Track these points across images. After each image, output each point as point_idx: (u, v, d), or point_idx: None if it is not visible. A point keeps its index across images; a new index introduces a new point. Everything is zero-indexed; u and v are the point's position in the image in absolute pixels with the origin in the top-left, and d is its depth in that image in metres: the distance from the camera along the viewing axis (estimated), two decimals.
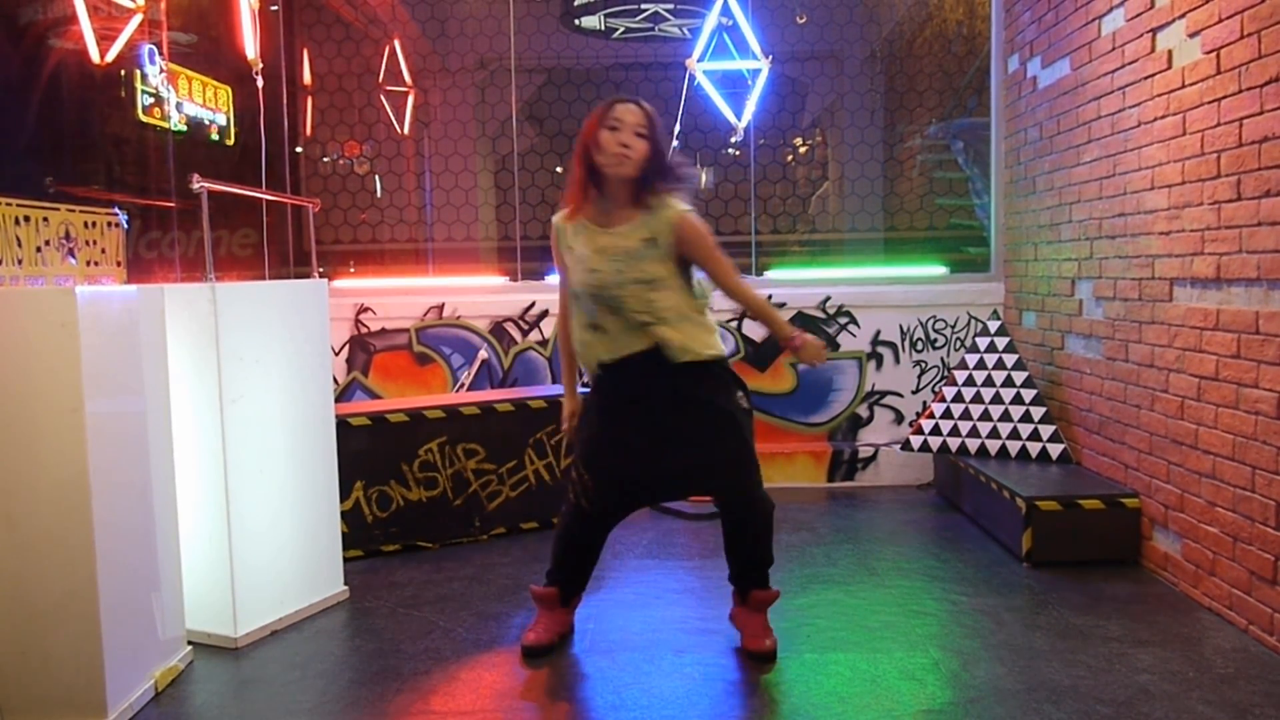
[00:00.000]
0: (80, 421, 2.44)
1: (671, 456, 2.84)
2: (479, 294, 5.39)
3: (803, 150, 6.58)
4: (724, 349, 2.89)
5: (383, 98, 6.18)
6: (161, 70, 4.25)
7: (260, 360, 3.15)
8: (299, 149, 6.07)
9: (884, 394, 5.20)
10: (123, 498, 2.62)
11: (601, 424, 2.89)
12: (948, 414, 4.60)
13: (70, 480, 2.46)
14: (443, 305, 5.32)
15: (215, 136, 4.73)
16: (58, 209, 3.43)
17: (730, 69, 5.17)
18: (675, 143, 5.41)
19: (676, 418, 2.82)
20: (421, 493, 4.10)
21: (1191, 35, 3.21)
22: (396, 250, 6.26)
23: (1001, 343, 4.54)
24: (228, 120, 4.89)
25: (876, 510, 4.63)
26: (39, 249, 3.30)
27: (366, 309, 5.33)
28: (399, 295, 5.40)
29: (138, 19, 3.89)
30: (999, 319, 4.69)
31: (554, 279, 5.42)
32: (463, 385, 5.26)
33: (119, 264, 3.78)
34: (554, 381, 5.24)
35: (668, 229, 2.75)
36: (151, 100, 4.22)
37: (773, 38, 5.60)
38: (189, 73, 4.53)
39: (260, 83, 4.84)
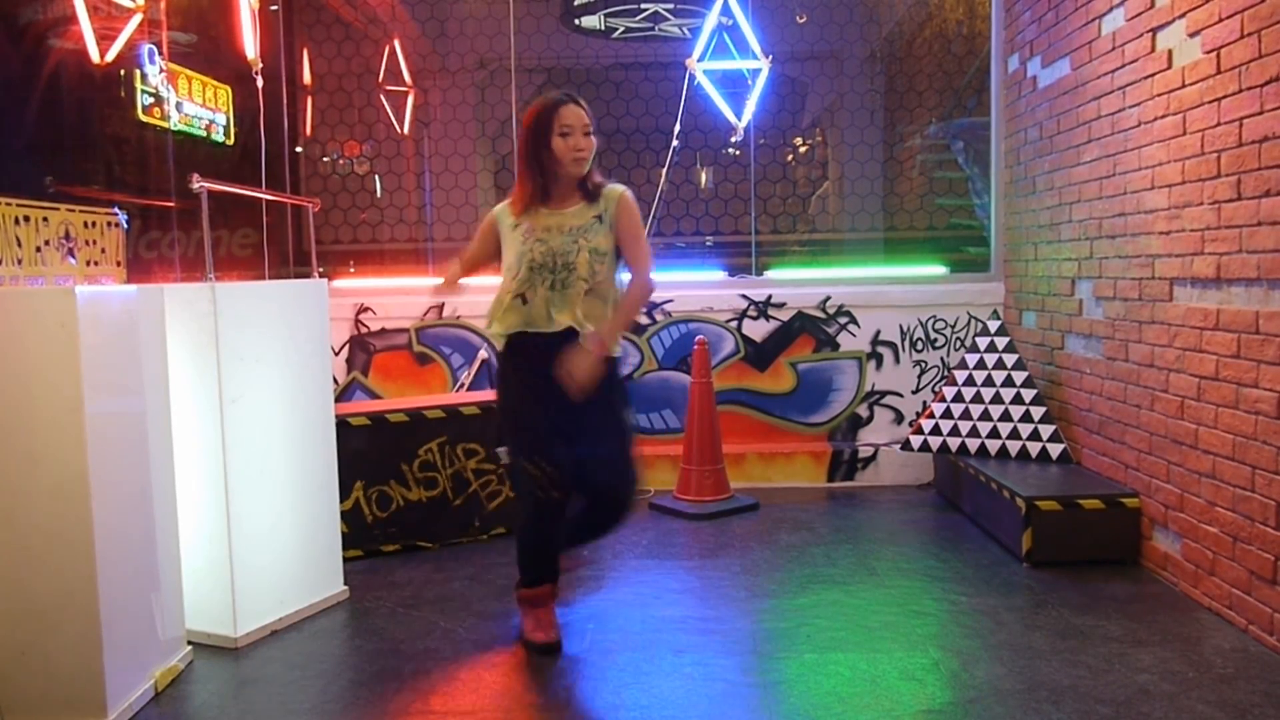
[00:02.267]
0: (80, 421, 2.44)
1: (574, 441, 2.93)
2: (479, 294, 5.36)
3: (803, 150, 6.58)
4: (619, 352, 3.00)
5: (383, 98, 6.18)
6: (161, 70, 4.25)
7: (260, 360, 3.15)
8: (299, 149, 6.07)
9: (884, 394, 5.20)
10: (122, 498, 2.62)
11: (530, 408, 2.93)
12: (948, 414, 4.60)
13: (70, 480, 2.46)
14: (443, 305, 5.32)
15: (202, 131, 4.73)
16: (58, 209, 3.43)
17: (730, 69, 5.17)
18: (675, 143, 5.41)
19: (579, 406, 2.89)
20: (421, 493, 4.10)
21: (1191, 35, 3.21)
22: (396, 250, 6.26)
23: (1001, 343, 4.54)
24: (228, 120, 4.89)
25: (876, 510, 4.63)
26: (39, 249, 3.30)
27: (366, 309, 5.33)
28: (399, 295, 5.40)
29: (138, 19, 3.89)
30: (999, 319, 4.69)
31: None
32: (463, 385, 5.26)
33: (119, 264, 3.78)
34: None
35: (613, 204, 2.94)
36: (151, 100, 4.22)
37: (773, 38, 5.60)
38: (189, 72, 4.53)
39: (260, 83, 4.84)
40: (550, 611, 3.08)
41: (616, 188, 2.99)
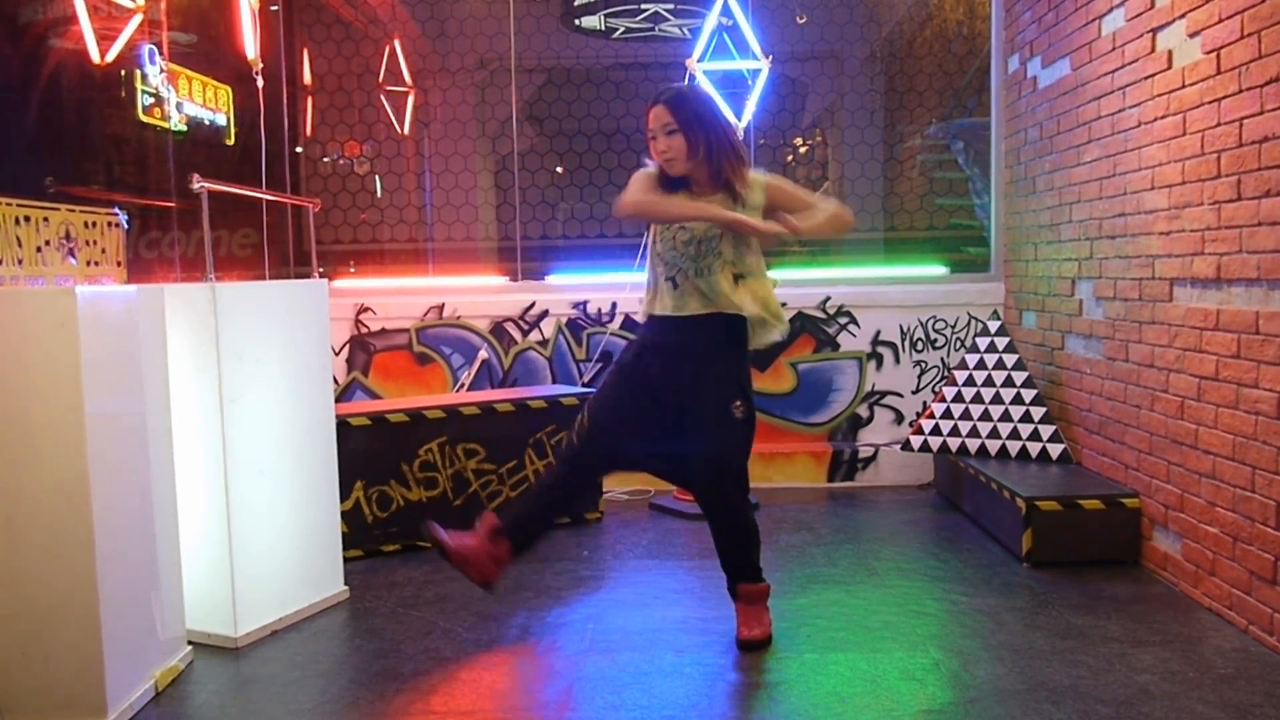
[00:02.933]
0: (80, 421, 2.44)
1: (667, 433, 2.97)
2: (479, 294, 5.39)
3: (803, 150, 6.57)
4: (777, 327, 2.97)
5: (383, 98, 6.18)
6: (161, 70, 4.25)
7: (260, 360, 3.15)
8: (299, 149, 6.07)
9: (884, 394, 5.20)
10: (123, 497, 2.62)
11: (621, 373, 3.04)
12: (948, 414, 4.60)
13: (70, 480, 2.45)
14: (443, 305, 5.32)
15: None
16: (58, 209, 3.43)
17: (730, 69, 5.17)
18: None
19: (685, 397, 2.93)
20: (422, 493, 4.10)
21: (1192, 35, 3.21)
22: (396, 250, 6.26)
23: (1001, 343, 4.54)
24: (228, 120, 4.89)
25: (876, 510, 4.63)
26: (39, 249, 3.30)
27: (366, 309, 5.33)
28: (399, 295, 5.40)
29: (138, 19, 3.89)
30: (999, 319, 4.69)
31: (554, 279, 5.45)
32: (463, 385, 5.26)
33: (119, 264, 3.78)
34: (554, 381, 5.24)
35: (761, 193, 2.93)
36: (151, 100, 4.22)
37: (773, 38, 5.60)
38: (189, 73, 4.53)
39: (260, 83, 4.84)
40: (472, 538, 3.02)
41: (760, 176, 2.96)
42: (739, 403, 2.94)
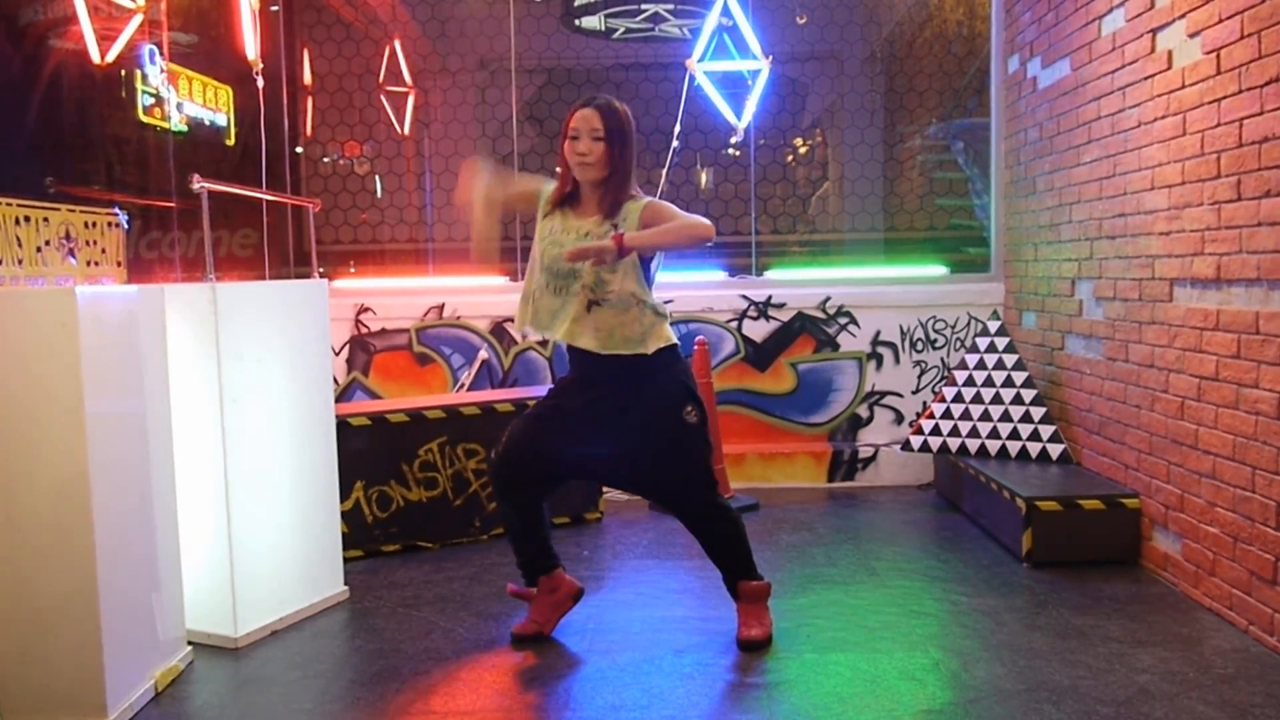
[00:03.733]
0: (80, 421, 2.44)
1: (614, 454, 2.94)
2: (479, 294, 5.39)
3: (803, 150, 6.58)
4: (664, 342, 2.89)
5: (383, 98, 6.18)
6: (162, 70, 4.25)
7: (260, 360, 3.15)
8: (299, 149, 6.07)
9: (884, 394, 5.20)
10: (123, 498, 2.62)
11: (549, 397, 3.03)
12: (948, 414, 4.60)
13: (70, 480, 2.46)
14: (443, 305, 5.32)
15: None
16: (58, 209, 3.43)
17: (730, 69, 5.17)
18: (675, 143, 5.41)
19: (622, 419, 2.90)
20: (422, 493, 4.10)
21: (1191, 35, 3.21)
22: (396, 250, 6.26)
23: (1001, 343, 4.54)
24: (228, 120, 4.89)
25: (876, 510, 4.63)
26: (39, 249, 3.30)
27: (366, 309, 5.33)
28: (399, 295, 5.40)
29: (138, 19, 3.89)
30: (999, 319, 4.69)
31: None
32: (463, 385, 5.26)
33: (119, 264, 3.77)
34: (554, 381, 5.24)
35: (635, 215, 2.85)
36: (152, 100, 4.22)
37: (773, 38, 5.60)
38: (189, 73, 4.53)
39: (260, 83, 4.84)
40: (536, 606, 3.11)
41: (641, 200, 2.87)
42: (689, 408, 2.93)
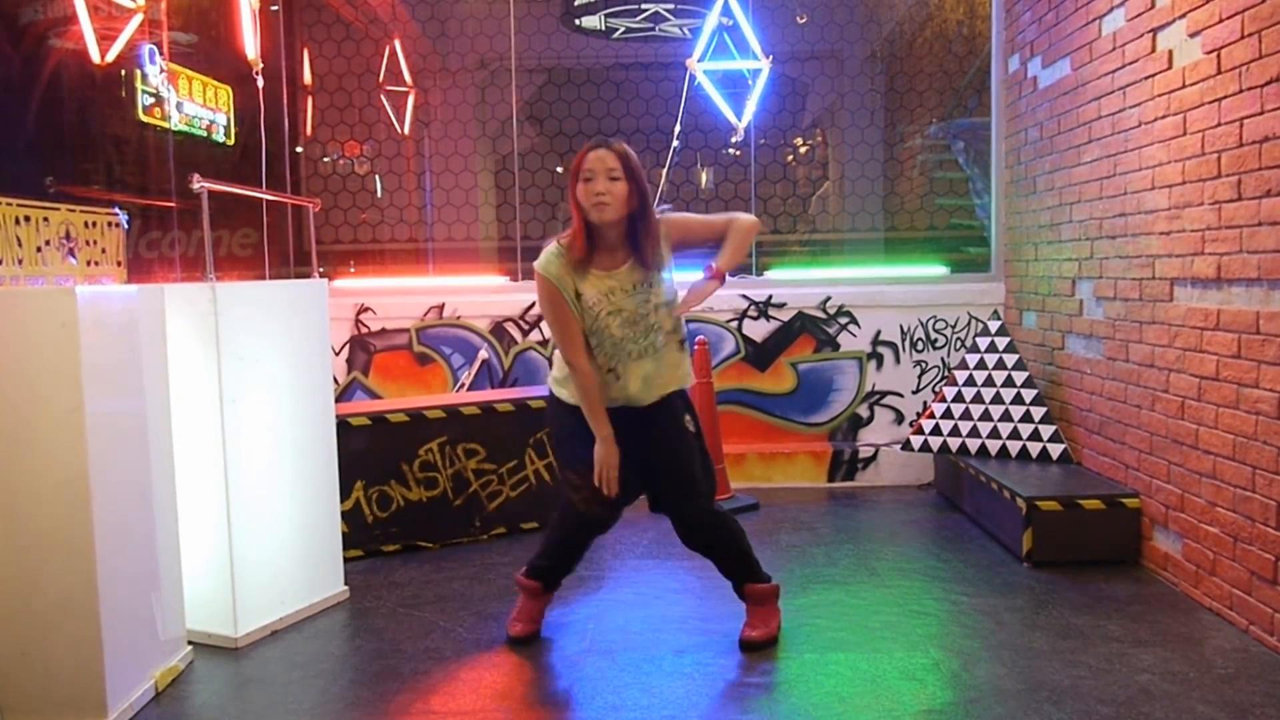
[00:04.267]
0: (80, 421, 2.44)
1: (634, 468, 2.92)
2: (479, 294, 5.39)
3: (803, 150, 6.58)
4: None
5: (383, 98, 6.18)
6: (162, 70, 4.25)
7: (260, 360, 3.15)
8: (299, 149, 6.07)
9: (884, 394, 5.20)
10: (123, 498, 2.62)
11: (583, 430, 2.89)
12: (948, 414, 4.60)
13: (70, 480, 2.46)
14: (443, 305, 5.32)
15: (203, 131, 4.73)
16: (58, 209, 3.43)
17: (730, 69, 5.17)
18: (676, 143, 5.41)
19: (641, 433, 2.89)
20: (422, 493, 4.10)
21: (1192, 35, 3.21)
22: (396, 250, 6.26)
23: (1002, 343, 4.54)
24: (228, 120, 4.89)
25: (877, 510, 4.63)
26: (39, 249, 3.30)
27: (367, 309, 5.33)
28: (399, 295, 5.40)
29: (138, 19, 3.89)
30: (999, 319, 4.69)
31: None
32: (463, 385, 5.26)
33: (119, 264, 3.78)
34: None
35: (666, 243, 2.87)
36: (152, 100, 4.22)
37: (773, 38, 5.60)
38: (189, 73, 4.53)
39: (260, 83, 4.84)
40: (533, 605, 3.13)
41: (660, 226, 2.85)
42: (688, 417, 2.94)
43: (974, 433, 4.50)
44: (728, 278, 2.84)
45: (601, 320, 2.79)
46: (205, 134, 4.66)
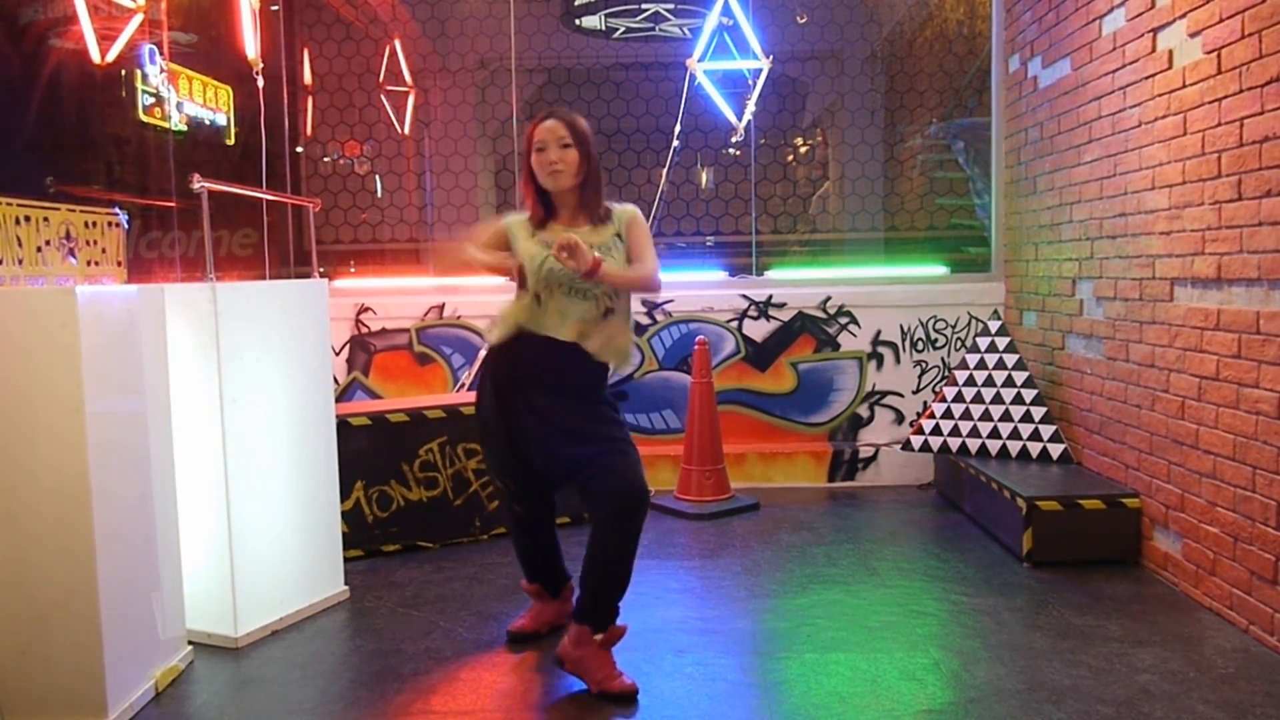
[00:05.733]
0: (80, 421, 2.44)
1: (561, 444, 2.78)
2: (479, 294, 5.39)
3: (803, 150, 6.58)
4: (628, 362, 3.00)
5: (383, 98, 6.18)
6: (162, 70, 4.25)
7: (260, 360, 3.15)
8: (299, 149, 6.07)
9: (884, 394, 5.20)
10: (123, 497, 2.62)
11: (500, 426, 2.85)
12: (948, 414, 4.60)
13: (71, 480, 2.45)
14: (443, 305, 5.32)
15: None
16: (58, 209, 3.43)
17: (731, 69, 5.17)
18: (676, 143, 5.41)
19: (566, 408, 2.80)
20: (422, 493, 4.10)
21: (1192, 35, 3.21)
22: (397, 250, 6.26)
23: (1002, 343, 4.54)
24: (228, 120, 4.89)
25: (877, 510, 4.63)
26: (39, 249, 3.30)
27: (367, 309, 5.33)
28: (399, 295, 5.40)
29: (138, 19, 3.89)
30: (999, 319, 4.69)
31: None
32: (463, 385, 5.26)
33: (119, 264, 3.78)
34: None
35: (626, 221, 2.91)
36: (152, 100, 4.22)
37: (773, 37, 5.60)
38: (189, 73, 4.53)
39: (261, 83, 4.84)
40: (539, 608, 3.15)
41: (628, 207, 2.95)
42: (605, 408, 2.90)
43: (974, 433, 4.50)
44: (598, 276, 2.70)
45: (538, 260, 2.80)
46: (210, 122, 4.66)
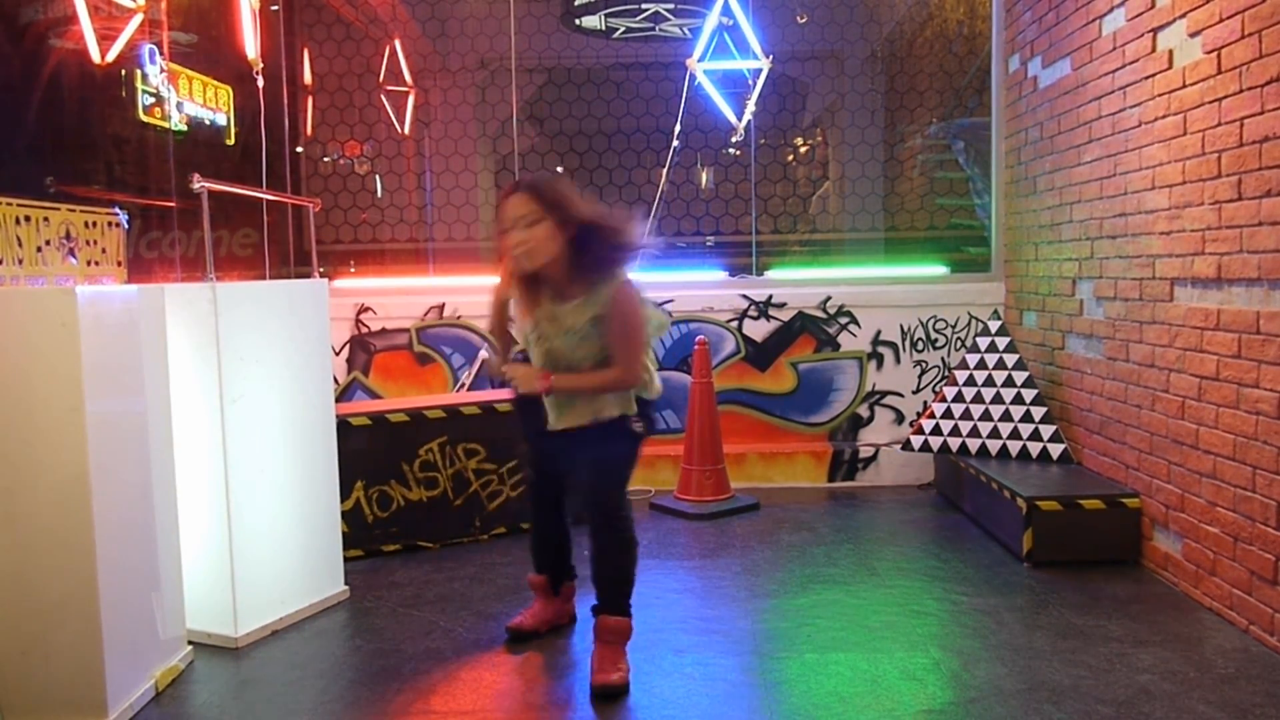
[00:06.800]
0: (81, 421, 2.44)
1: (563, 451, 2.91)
2: (480, 294, 5.36)
3: (803, 150, 6.57)
4: (633, 408, 2.81)
5: (383, 97, 6.18)
6: (162, 70, 4.25)
7: (260, 360, 3.15)
8: (299, 149, 6.07)
9: (884, 394, 5.20)
10: (123, 497, 2.62)
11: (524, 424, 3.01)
12: (948, 414, 4.59)
13: (71, 480, 2.46)
14: (443, 305, 5.32)
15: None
16: (58, 209, 3.43)
17: (731, 69, 5.17)
18: (676, 143, 5.41)
19: (579, 449, 2.89)
20: (422, 492, 4.10)
21: (1192, 35, 3.21)
22: (397, 250, 6.26)
23: (1002, 343, 4.54)
24: (228, 120, 4.89)
25: (877, 510, 4.63)
26: (39, 249, 3.30)
27: (367, 309, 5.33)
28: (399, 295, 5.40)
29: (138, 19, 3.89)
30: (999, 319, 4.69)
31: None
32: (463, 385, 5.26)
33: (119, 264, 3.78)
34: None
35: (608, 302, 2.70)
36: (152, 100, 4.22)
37: (773, 37, 5.60)
38: (189, 72, 4.53)
39: (261, 82, 4.84)
40: (540, 604, 3.15)
41: (618, 280, 2.71)
42: (634, 419, 2.86)
43: (974, 433, 4.50)
44: (551, 392, 2.75)
45: (532, 337, 2.83)
46: (210, 121, 4.66)
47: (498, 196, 2.75)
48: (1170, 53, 3.35)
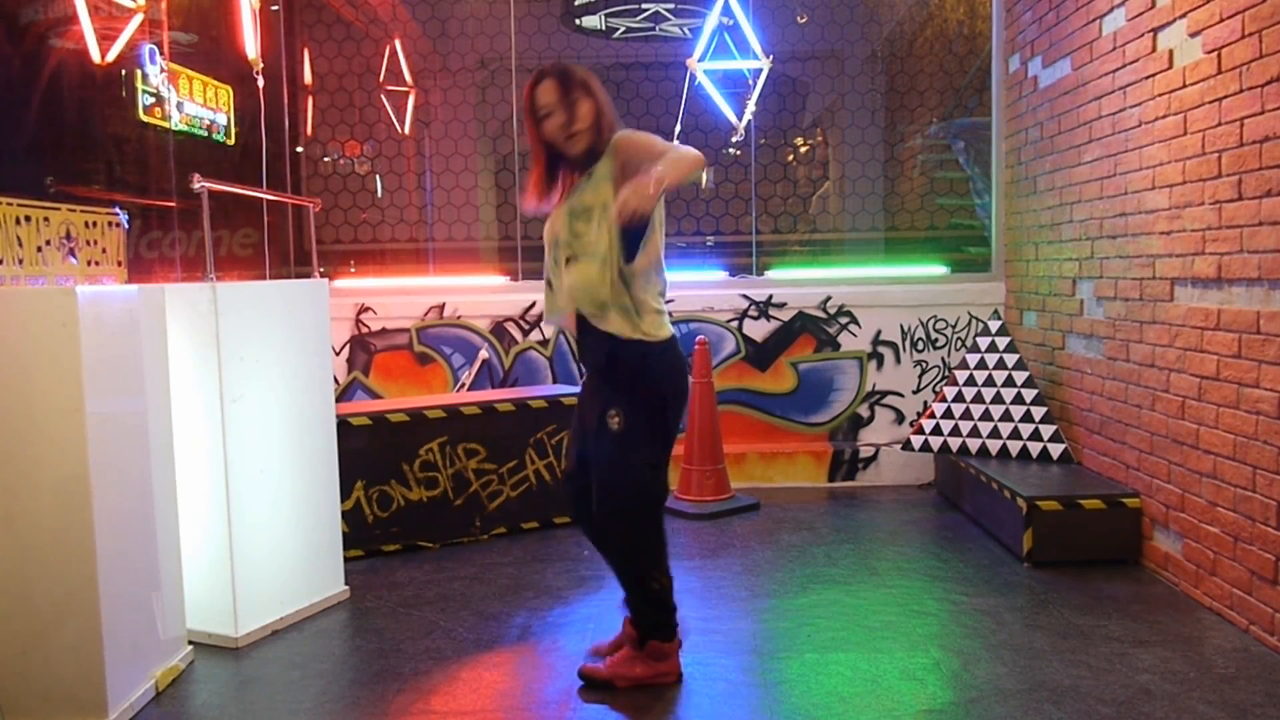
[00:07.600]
0: (81, 421, 2.44)
1: (585, 439, 2.75)
2: (480, 294, 5.39)
3: (803, 150, 6.57)
4: (639, 335, 2.59)
5: (383, 97, 6.18)
6: (162, 70, 4.25)
7: (261, 360, 3.15)
8: (299, 149, 6.07)
9: (885, 394, 5.20)
10: (123, 497, 2.62)
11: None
12: (948, 414, 4.59)
13: (71, 480, 2.46)
14: (443, 305, 5.32)
15: (203, 131, 4.73)
16: (58, 209, 3.43)
17: (731, 69, 5.17)
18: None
19: (588, 400, 2.75)
20: (422, 492, 4.10)
21: (1192, 35, 3.21)
22: (397, 250, 6.26)
23: (1002, 342, 4.54)
24: (228, 120, 4.89)
25: (877, 510, 4.63)
26: (40, 249, 3.30)
27: (367, 309, 5.33)
28: (399, 295, 5.40)
29: (138, 19, 3.89)
30: (1000, 319, 4.69)
31: None
32: (463, 385, 5.26)
33: (120, 264, 3.78)
34: (554, 381, 5.25)
35: (611, 156, 2.60)
36: (152, 100, 4.22)
37: (773, 37, 5.60)
38: (190, 72, 4.53)
39: (261, 82, 4.84)
40: (620, 635, 2.87)
41: (614, 139, 2.60)
42: (613, 411, 2.59)
43: (974, 432, 4.49)
44: (661, 189, 2.43)
45: (546, 228, 2.70)
46: (205, 134, 4.66)
47: (524, 88, 2.60)
48: (1170, 52, 3.35)
